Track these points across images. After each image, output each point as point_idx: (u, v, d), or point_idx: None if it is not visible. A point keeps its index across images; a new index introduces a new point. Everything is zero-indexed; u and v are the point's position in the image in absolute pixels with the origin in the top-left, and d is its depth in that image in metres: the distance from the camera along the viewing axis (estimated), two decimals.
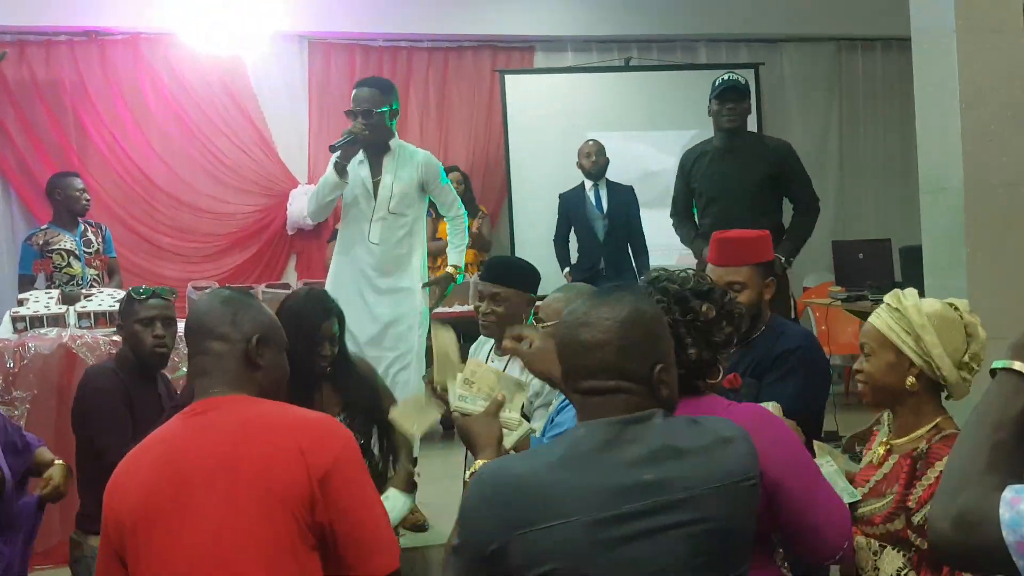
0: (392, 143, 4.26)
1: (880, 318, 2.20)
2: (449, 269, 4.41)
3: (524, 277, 3.22)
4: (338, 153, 4.12)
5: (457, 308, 5.90)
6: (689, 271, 2.01)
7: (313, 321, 2.89)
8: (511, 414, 2.05)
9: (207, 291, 2.02)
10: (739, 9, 7.50)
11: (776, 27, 7.68)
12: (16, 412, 3.67)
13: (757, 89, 7.26)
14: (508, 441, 1.99)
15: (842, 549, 1.84)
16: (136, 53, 6.76)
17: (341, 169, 4.12)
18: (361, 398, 3.03)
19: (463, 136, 7.35)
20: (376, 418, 3.04)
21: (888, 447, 2.23)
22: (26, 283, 5.23)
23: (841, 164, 7.95)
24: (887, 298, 2.22)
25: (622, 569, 1.47)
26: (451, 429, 6.12)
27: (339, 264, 4.36)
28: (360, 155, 4.23)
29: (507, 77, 7.15)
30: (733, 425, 1.64)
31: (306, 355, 2.84)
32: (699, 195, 4.77)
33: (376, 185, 4.22)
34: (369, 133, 4.10)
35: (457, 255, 4.44)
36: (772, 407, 2.26)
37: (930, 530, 1.25)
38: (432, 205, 6.03)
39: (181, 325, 2.53)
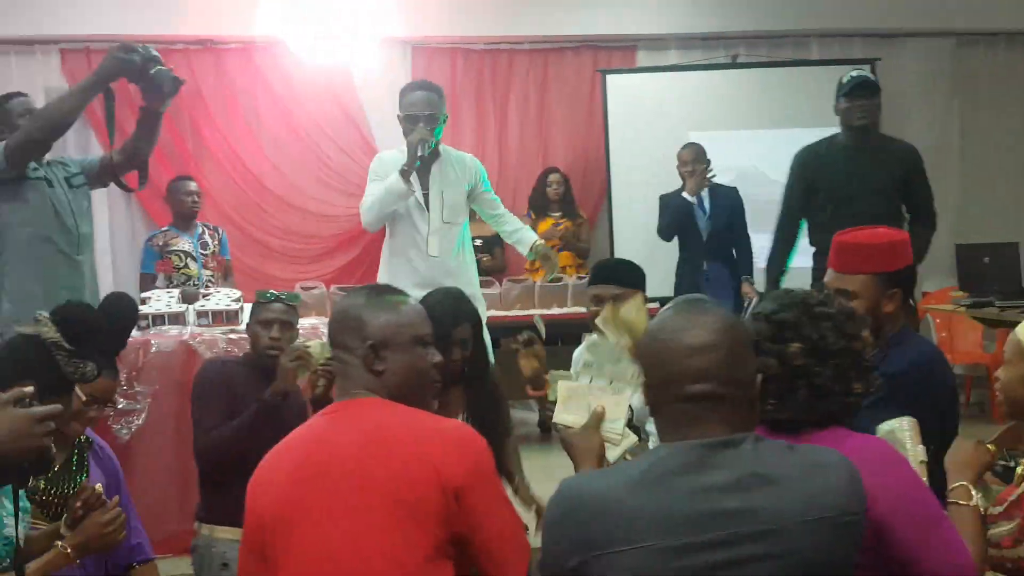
0: (440, 149, 4.23)
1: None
2: (539, 242, 4.43)
3: (639, 277, 3.18)
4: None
5: (556, 311, 5.88)
6: (823, 292, 1.91)
7: (444, 325, 2.78)
8: (614, 426, 2.02)
9: (348, 291, 2.05)
10: (853, 3, 7.27)
11: (892, 21, 7.42)
12: (138, 406, 3.82)
13: None
14: (612, 455, 1.97)
15: None
16: (249, 61, 6.96)
17: (407, 176, 4.05)
18: (487, 405, 2.99)
19: (563, 138, 7.34)
20: (497, 426, 3.03)
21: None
22: (147, 282, 5.44)
23: (963, 164, 7.61)
24: None
25: None
26: (548, 432, 6.13)
27: (394, 277, 4.17)
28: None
29: (609, 77, 7.10)
30: (835, 454, 1.55)
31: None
32: (823, 195, 4.53)
33: (427, 197, 4.18)
34: (433, 135, 4.04)
35: (532, 232, 4.52)
36: (908, 423, 2.11)
37: None
38: (534, 206, 6.05)
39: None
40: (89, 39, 6.67)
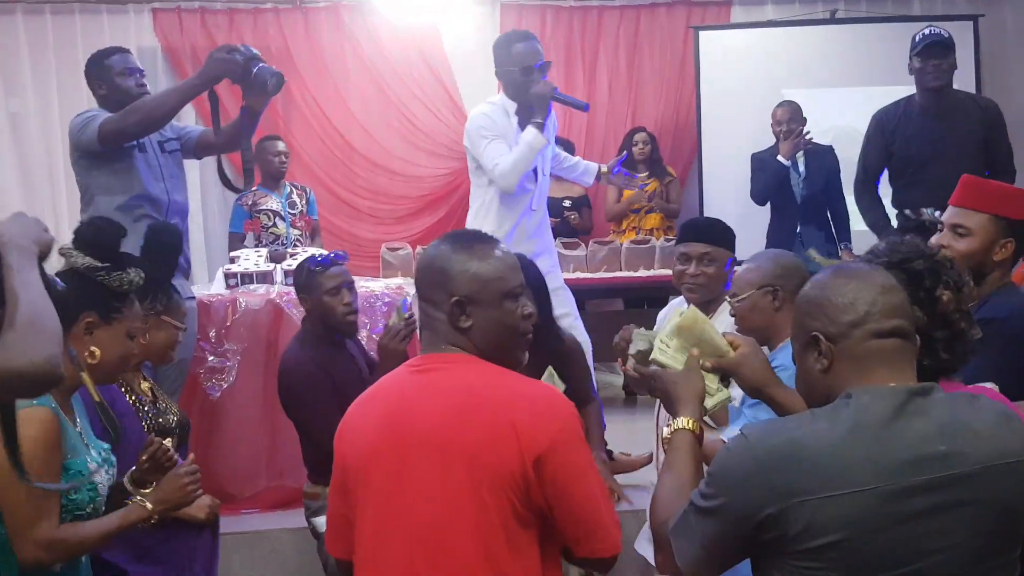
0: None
1: None
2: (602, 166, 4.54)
3: (729, 235, 3.11)
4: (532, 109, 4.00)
5: (643, 273, 5.79)
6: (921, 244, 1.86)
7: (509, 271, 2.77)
8: (711, 377, 1.95)
9: (434, 241, 1.94)
10: None
11: None
12: (228, 363, 3.88)
13: (976, 43, 6.74)
14: (707, 403, 1.89)
15: None
16: (337, 21, 6.96)
17: (542, 128, 3.98)
18: (562, 372, 2.95)
19: (653, 97, 7.19)
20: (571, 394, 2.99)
21: None
22: (236, 241, 5.51)
23: None
24: None
25: (912, 543, 1.42)
26: (633, 395, 6.05)
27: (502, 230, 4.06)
28: (511, 115, 4.07)
29: (702, 34, 6.91)
30: (1004, 404, 1.57)
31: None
32: (903, 161, 4.45)
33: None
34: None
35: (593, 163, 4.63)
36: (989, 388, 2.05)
37: None
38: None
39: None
40: None
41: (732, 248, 3.10)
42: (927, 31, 4.40)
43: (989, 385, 2.11)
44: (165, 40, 6.77)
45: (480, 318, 1.82)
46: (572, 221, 6.47)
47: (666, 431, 1.80)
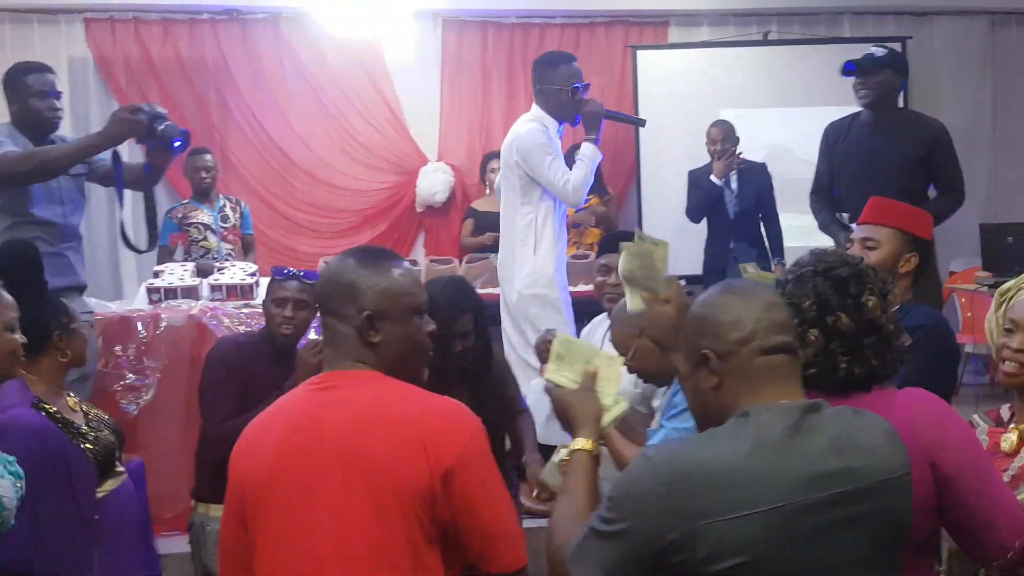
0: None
1: None
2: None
3: None
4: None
5: (583, 287, 5.80)
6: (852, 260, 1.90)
7: (446, 316, 2.70)
8: (606, 391, 1.95)
9: (338, 256, 1.93)
10: None
11: None
12: (147, 381, 3.82)
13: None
14: (604, 420, 1.90)
15: (1013, 548, 1.74)
16: (276, 32, 6.91)
17: (595, 142, 4.17)
18: (491, 392, 2.94)
19: None
20: (502, 411, 2.98)
21: (1020, 433, 2.14)
22: (163, 255, 5.44)
23: (994, 144, 7.46)
24: None
25: (816, 559, 1.43)
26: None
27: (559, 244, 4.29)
28: (551, 131, 4.24)
29: (639, 53, 6.98)
30: (881, 418, 1.60)
31: (437, 348, 2.79)
32: (841, 172, 4.56)
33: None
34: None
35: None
36: None
37: None
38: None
39: None
40: (114, 8, 6.68)
41: None
42: (869, 51, 4.50)
43: None
44: (97, 51, 6.67)
45: (389, 333, 1.80)
46: None
47: (563, 452, 1.80)
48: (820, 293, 1.82)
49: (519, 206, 4.22)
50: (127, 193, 3.71)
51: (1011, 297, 2.26)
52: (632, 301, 2.08)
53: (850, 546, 1.46)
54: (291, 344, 3.20)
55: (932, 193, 4.55)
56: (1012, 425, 2.17)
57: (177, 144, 3.34)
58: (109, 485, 2.79)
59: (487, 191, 6.76)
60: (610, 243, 3.20)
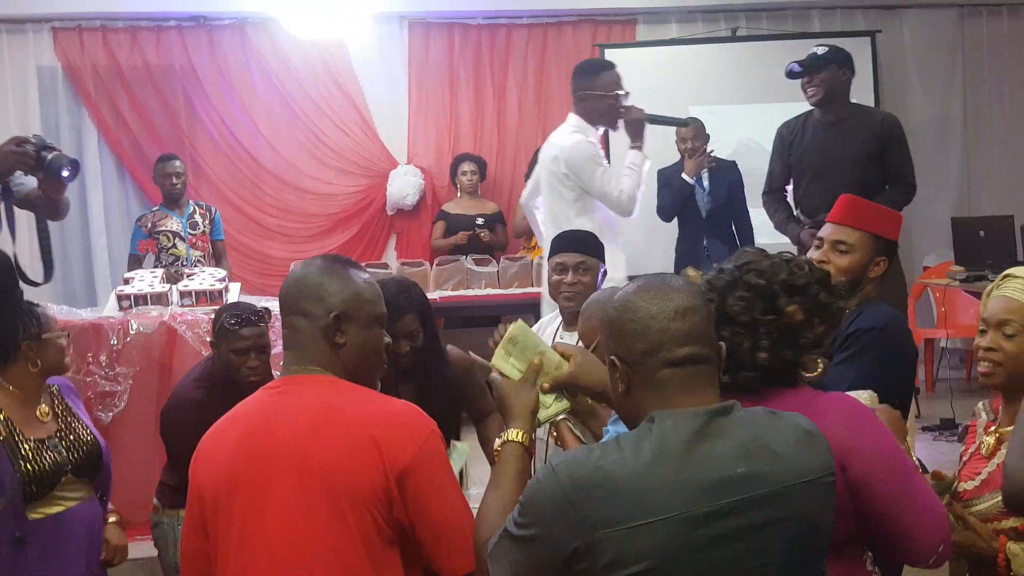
0: None
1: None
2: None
3: (600, 246, 3.23)
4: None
5: (518, 290, 5.89)
6: (786, 256, 1.86)
7: (392, 316, 2.70)
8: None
9: (304, 261, 1.95)
10: None
11: None
12: (119, 388, 3.79)
13: (874, 58, 6.95)
14: (541, 415, 1.88)
15: (936, 553, 1.72)
16: (243, 38, 6.89)
17: (641, 148, 4.20)
18: (442, 392, 2.89)
19: (561, 114, 7.12)
20: (454, 411, 2.96)
21: (998, 436, 2.10)
22: (133, 262, 5.43)
23: (965, 137, 7.51)
24: (1022, 272, 2.08)
25: (719, 567, 1.42)
26: None
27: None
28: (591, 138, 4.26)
29: (607, 51, 6.96)
30: (805, 418, 1.56)
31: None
32: (799, 170, 4.63)
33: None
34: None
35: None
36: (867, 397, 2.10)
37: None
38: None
39: None
40: (81, 17, 6.63)
41: (603, 259, 3.21)
42: (812, 50, 4.61)
43: (864, 395, 2.16)
44: (66, 59, 6.62)
45: (353, 336, 1.83)
46: (482, 238, 6.47)
47: (497, 442, 1.79)
48: (750, 288, 1.79)
49: (573, 218, 4.17)
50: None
51: (988, 296, 2.22)
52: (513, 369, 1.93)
53: (760, 552, 1.44)
54: (257, 387, 3.12)
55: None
56: (993, 428, 2.14)
57: (65, 174, 3.31)
58: (47, 508, 2.65)
59: (457, 193, 6.77)
60: (560, 243, 3.20)
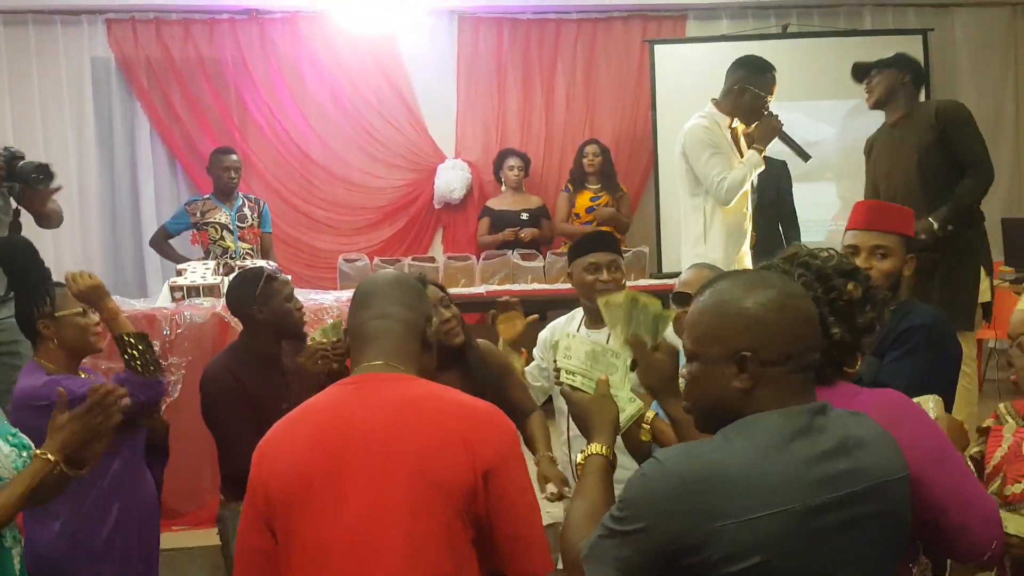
0: None
1: None
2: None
3: (620, 245, 3.39)
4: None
5: (563, 285, 5.81)
6: (832, 250, 1.88)
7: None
8: (620, 392, 1.95)
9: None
10: None
11: None
12: (172, 378, 3.85)
13: (925, 56, 6.85)
14: (620, 420, 1.90)
15: (990, 549, 1.70)
16: (294, 31, 6.95)
17: (762, 151, 4.30)
18: (488, 386, 2.89)
19: (610, 110, 7.22)
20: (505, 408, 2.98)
21: None
22: (162, 235, 5.73)
23: (1017, 136, 7.40)
24: None
25: (828, 558, 1.45)
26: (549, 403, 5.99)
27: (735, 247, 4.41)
28: (724, 127, 4.36)
29: (657, 47, 6.96)
30: (878, 425, 1.59)
31: None
32: (877, 175, 4.64)
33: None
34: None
35: None
36: (933, 403, 2.09)
37: None
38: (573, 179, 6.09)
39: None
40: (135, 9, 6.73)
41: (621, 255, 3.31)
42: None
43: (931, 399, 2.13)
44: (119, 51, 6.73)
45: (431, 340, 1.92)
46: (523, 239, 6.44)
47: (579, 456, 1.82)
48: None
49: (688, 196, 4.39)
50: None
51: None
52: (616, 341, 2.04)
53: (860, 543, 1.47)
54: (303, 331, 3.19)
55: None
56: None
57: (37, 176, 3.42)
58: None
59: (502, 188, 6.79)
60: (588, 244, 3.24)
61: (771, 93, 4.32)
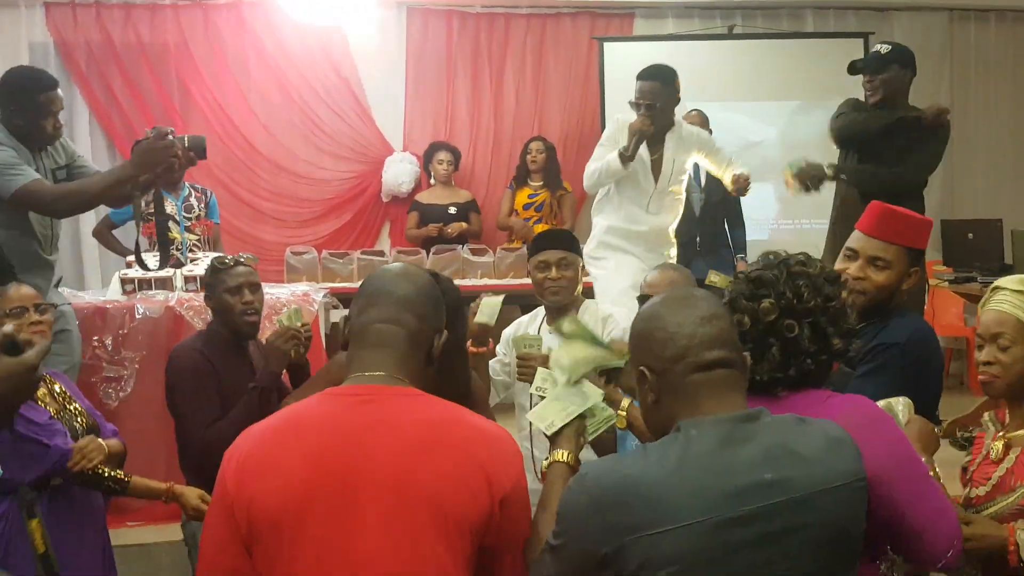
0: (676, 121, 4.51)
1: (1013, 305, 2.12)
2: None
3: (577, 243, 3.37)
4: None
5: (513, 280, 5.87)
6: (804, 254, 1.90)
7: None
8: (590, 399, 1.95)
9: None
10: None
11: None
12: (125, 372, 3.78)
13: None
14: (590, 427, 1.90)
15: (945, 557, 1.75)
16: (239, 18, 6.84)
17: (627, 160, 4.29)
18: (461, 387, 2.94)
19: (558, 105, 7.24)
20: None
21: (1006, 440, 2.16)
22: (106, 224, 5.58)
23: (951, 139, 7.60)
24: (1009, 283, 2.14)
25: (746, 572, 1.45)
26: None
27: (610, 229, 4.47)
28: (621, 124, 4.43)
29: (605, 45, 7.00)
30: (837, 425, 1.60)
31: None
32: (847, 156, 4.61)
33: (655, 163, 4.42)
34: (652, 125, 4.29)
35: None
36: (903, 404, 2.11)
37: None
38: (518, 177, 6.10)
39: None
40: None
41: (580, 255, 3.35)
42: (875, 48, 4.58)
43: (900, 401, 2.13)
44: (58, 35, 6.55)
45: (437, 352, 1.78)
46: (448, 233, 6.39)
47: (544, 463, 1.82)
48: (736, 291, 1.84)
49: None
50: None
51: (981, 309, 2.26)
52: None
53: (785, 556, 1.46)
54: (255, 331, 3.17)
55: None
56: (1001, 433, 2.20)
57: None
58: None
59: (430, 182, 6.75)
60: (541, 241, 3.30)
61: (644, 98, 4.33)
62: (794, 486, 1.47)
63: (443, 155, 6.63)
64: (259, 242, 6.80)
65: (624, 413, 2.26)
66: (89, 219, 6.25)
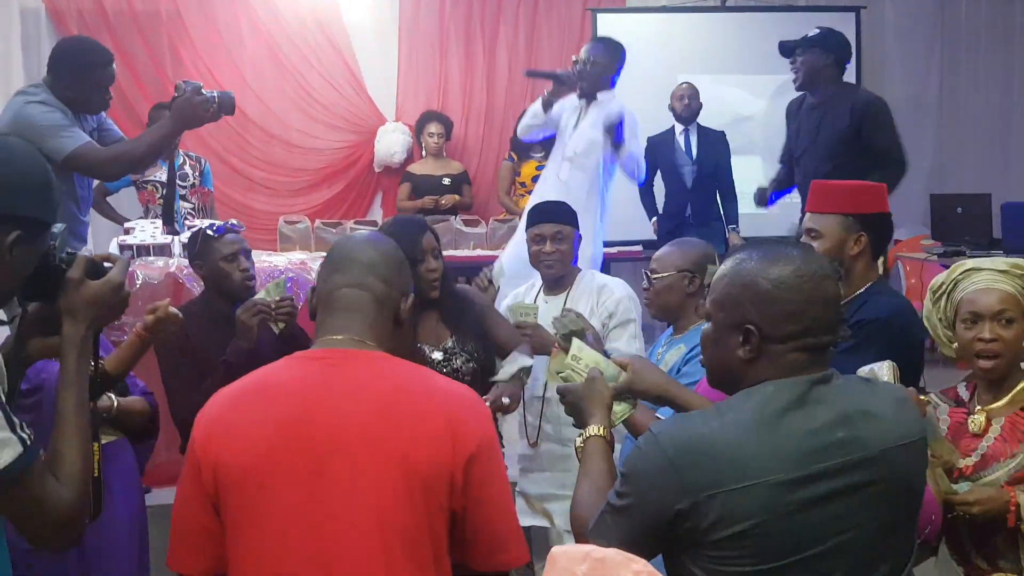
0: (601, 95, 4.59)
1: (1008, 284, 2.18)
2: None
3: (573, 215, 3.32)
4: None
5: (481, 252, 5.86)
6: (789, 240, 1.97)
7: (411, 237, 2.75)
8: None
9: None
10: None
11: None
12: (126, 338, 3.78)
13: (857, 34, 7.04)
14: (617, 412, 1.96)
15: (923, 534, 1.82)
16: None
17: (546, 104, 4.58)
18: (470, 324, 2.97)
19: None
20: (487, 345, 3.00)
21: (987, 413, 2.24)
22: (100, 193, 5.45)
23: (940, 114, 7.70)
24: (991, 263, 2.22)
25: (818, 526, 1.48)
26: None
27: (544, 182, 4.74)
28: (578, 101, 4.60)
29: (599, 16, 7.03)
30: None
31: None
32: (795, 151, 4.72)
33: (573, 129, 4.58)
34: (574, 78, 4.52)
35: None
36: (888, 367, 2.14)
37: None
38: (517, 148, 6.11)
39: None
40: None
41: (577, 226, 3.31)
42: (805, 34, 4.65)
43: (885, 365, 2.15)
44: (50, 2, 6.50)
45: (408, 319, 1.80)
46: (442, 205, 6.35)
47: (578, 441, 1.86)
48: None
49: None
50: None
51: (949, 291, 2.31)
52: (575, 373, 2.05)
53: (855, 512, 1.50)
54: (252, 295, 3.12)
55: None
56: (979, 406, 2.26)
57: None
58: None
59: (422, 153, 6.74)
60: (536, 214, 3.29)
61: (579, 53, 4.68)
62: (866, 444, 1.51)
63: (434, 127, 6.59)
64: (251, 211, 6.81)
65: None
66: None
